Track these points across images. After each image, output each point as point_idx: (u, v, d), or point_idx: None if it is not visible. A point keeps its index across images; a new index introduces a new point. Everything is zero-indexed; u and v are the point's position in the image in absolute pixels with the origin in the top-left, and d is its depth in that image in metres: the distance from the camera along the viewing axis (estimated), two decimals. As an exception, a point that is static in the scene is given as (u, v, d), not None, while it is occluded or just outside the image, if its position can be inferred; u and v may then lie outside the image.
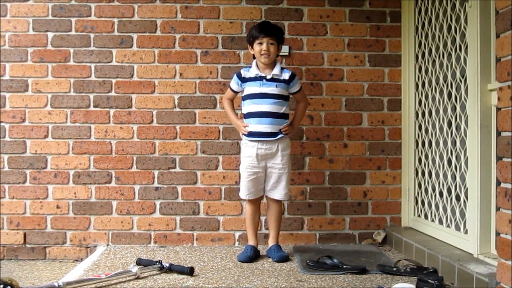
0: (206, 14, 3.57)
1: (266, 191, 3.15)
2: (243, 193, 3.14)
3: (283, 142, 3.10)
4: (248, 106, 3.09)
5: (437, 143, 3.16)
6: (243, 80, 3.12)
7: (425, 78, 3.36)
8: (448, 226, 2.98)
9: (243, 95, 3.15)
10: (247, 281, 2.60)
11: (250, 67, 3.14)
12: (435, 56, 3.20)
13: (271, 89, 3.06)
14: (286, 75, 3.10)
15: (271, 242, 3.16)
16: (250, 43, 3.13)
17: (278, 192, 3.12)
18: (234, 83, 3.17)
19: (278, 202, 3.17)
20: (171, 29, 3.56)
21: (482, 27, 2.56)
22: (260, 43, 3.04)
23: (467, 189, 2.72)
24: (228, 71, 3.54)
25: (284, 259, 3.02)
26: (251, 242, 3.14)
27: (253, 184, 3.10)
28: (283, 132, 3.06)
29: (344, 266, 2.78)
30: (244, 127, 3.08)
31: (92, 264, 2.99)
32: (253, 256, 3.04)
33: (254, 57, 3.15)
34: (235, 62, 3.56)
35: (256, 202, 3.17)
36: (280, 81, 3.08)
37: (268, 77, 3.07)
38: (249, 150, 3.09)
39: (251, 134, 3.07)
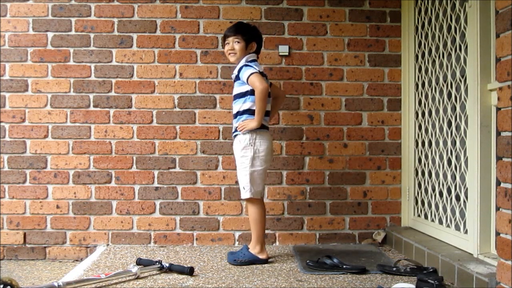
0: (206, 14, 3.57)
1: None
2: (260, 191, 2.97)
3: (236, 140, 3.01)
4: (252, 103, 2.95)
5: (437, 143, 3.16)
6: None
7: (425, 78, 3.36)
8: (448, 226, 2.98)
9: (250, 89, 2.94)
10: (247, 281, 2.60)
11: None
12: (435, 56, 3.20)
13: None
14: (238, 69, 3.01)
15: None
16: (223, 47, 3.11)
17: None
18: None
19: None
20: (171, 29, 3.56)
21: (482, 27, 2.56)
22: (228, 43, 3.03)
23: (467, 189, 2.72)
24: (228, 71, 3.53)
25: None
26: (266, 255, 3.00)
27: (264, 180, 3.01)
28: (238, 129, 2.96)
29: (344, 266, 2.78)
30: None
31: (92, 264, 2.99)
32: None
33: None
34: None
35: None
36: (237, 78, 3.00)
37: (233, 76, 3.06)
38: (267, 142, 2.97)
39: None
